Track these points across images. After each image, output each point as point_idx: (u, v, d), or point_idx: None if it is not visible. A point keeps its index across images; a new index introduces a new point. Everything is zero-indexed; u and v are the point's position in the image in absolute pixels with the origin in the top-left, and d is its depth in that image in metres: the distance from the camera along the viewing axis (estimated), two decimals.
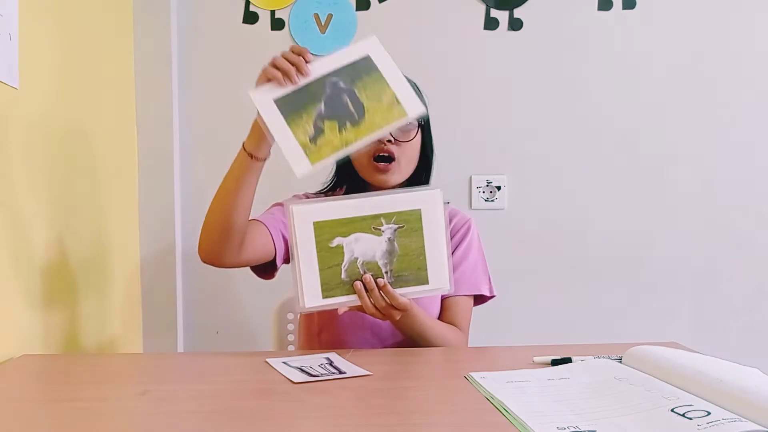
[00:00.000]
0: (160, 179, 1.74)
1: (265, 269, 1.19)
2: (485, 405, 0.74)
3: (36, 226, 1.18)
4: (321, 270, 0.97)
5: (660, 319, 1.82)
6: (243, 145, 1.04)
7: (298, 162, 0.97)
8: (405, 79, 1.01)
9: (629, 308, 1.81)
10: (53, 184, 1.25)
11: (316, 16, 1.79)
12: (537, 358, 0.93)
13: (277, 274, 1.21)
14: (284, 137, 0.97)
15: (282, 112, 0.97)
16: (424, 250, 0.98)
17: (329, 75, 0.98)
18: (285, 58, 0.98)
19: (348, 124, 0.97)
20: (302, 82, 0.98)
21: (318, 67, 0.99)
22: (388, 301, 0.99)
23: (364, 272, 0.98)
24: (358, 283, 0.97)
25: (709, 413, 0.63)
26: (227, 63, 1.81)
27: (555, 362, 0.91)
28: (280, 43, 1.79)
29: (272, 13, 1.80)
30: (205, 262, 1.11)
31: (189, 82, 1.79)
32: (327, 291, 0.98)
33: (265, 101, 0.98)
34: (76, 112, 1.35)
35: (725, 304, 1.82)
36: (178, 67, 1.78)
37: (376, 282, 0.98)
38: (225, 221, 1.06)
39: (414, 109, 0.99)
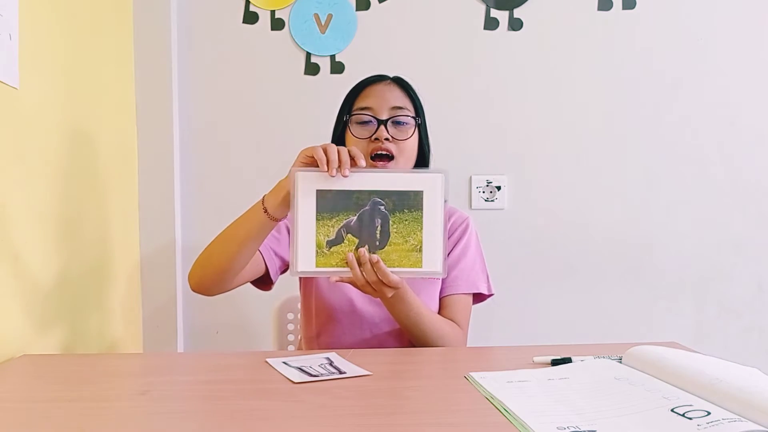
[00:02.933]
0: (160, 179, 1.74)
1: (263, 280, 1.20)
2: (485, 405, 0.74)
3: (36, 226, 1.18)
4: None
5: (660, 319, 1.82)
6: (263, 200, 1.03)
7: (305, 258, 0.97)
8: (441, 232, 0.99)
9: (629, 308, 1.81)
10: (53, 184, 1.25)
11: (316, 16, 1.79)
12: (537, 358, 0.93)
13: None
14: (306, 231, 0.97)
15: (317, 206, 0.97)
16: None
17: (378, 191, 0.97)
18: (339, 153, 0.96)
19: (366, 247, 0.98)
20: (351, 186, 0.97)
21: (373, 180, 0.98)
22: (379, 276, 0.98)
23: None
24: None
25: (709, 413, 0.63)
26: (227, 63, 1.81)
27: (555, 362, 0.91)
28: (280, 43, 1.80)
29: (272, 13, 1.80)
30: (193, 291, 1.13)
31: (189, 82, 1.79)
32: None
33: (307, 187, 0.96)
34: (76, 112, 1.35)
35: (725, 304, 1.82)
36: (178, 67, 1.78)
37: (370, 257, 0.97)
38: (225, 266, 1.07)
39: (430, 265, 0.98)
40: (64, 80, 1.30)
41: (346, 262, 0.98)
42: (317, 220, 0.97)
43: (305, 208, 0.97)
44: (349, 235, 0.98)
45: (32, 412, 0.75)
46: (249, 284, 1.21)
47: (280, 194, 1.00)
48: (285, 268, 1.22)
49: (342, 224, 0.97)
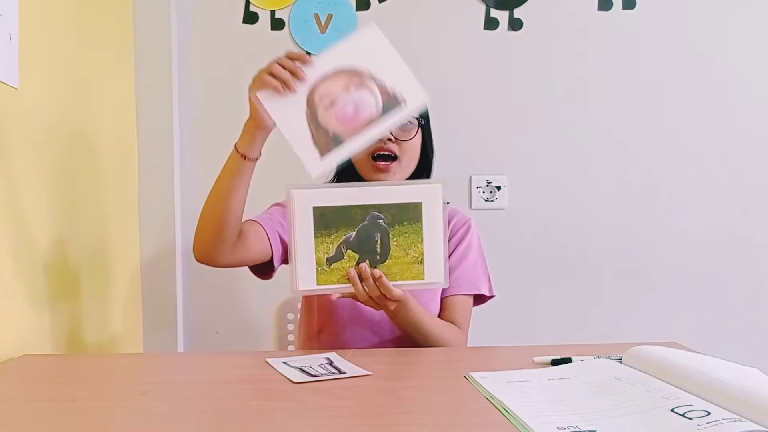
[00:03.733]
0: (160, 179, 1.74)
1: (264, 269, 1.20)
2: (485, 405, 0.74)
3: (36, 225, 1.18)
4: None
5: (660, 319, 1.82)
6: (235, 147, 1.04)
7: (305, 277, 0.97)
8: (442, 242, 0.99)
9: (629, 308, 1.81)
10: (53, 184, 1.25)
11: (316, 16, 1.79)
12: (537, 358, 0.93)
13: (276, 275, 1.22)
14: (305, 249, 0.97)
15: (315, 223, 0.97)
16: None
17: (376, 205, 0.97)
18: (281, 65, 0.98)
19: (367, 262, 0.98)
20: (348, 201, 0.97)
21: (371, 194, 0.98)
22: (381, 291, 0.98)
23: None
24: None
25: (708, 413, 0.63)
26: (227, 63, 1.81)
27: (555, 362, 0.91)
28: (280, 43, 1.80)
29: (272, 13, 1.80)
30: (199, 261, 1.12)
31: (189, 82, 1.79)
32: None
33: (303, 205, 0.97)
34: (76, 112, 1.35)
35: (725, 304, 1.82)
36: (178, 67, 1.78)
37: (371, 272, 0.97)
38: (219, 222, 1.06)
39: (432, 276, 0.99)
40: (64, 80, 1.30)
41: (348, 278, 0.98)
42: (316, 237, 0.97)
43: (303, 226, 0.97)
44: (349, 251, 0.98)
45: (32, 412, 0.75)
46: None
47: (247, 132, 1.02)
48: (287, 257, 1.21)
49: (341, 240, 0.97)
